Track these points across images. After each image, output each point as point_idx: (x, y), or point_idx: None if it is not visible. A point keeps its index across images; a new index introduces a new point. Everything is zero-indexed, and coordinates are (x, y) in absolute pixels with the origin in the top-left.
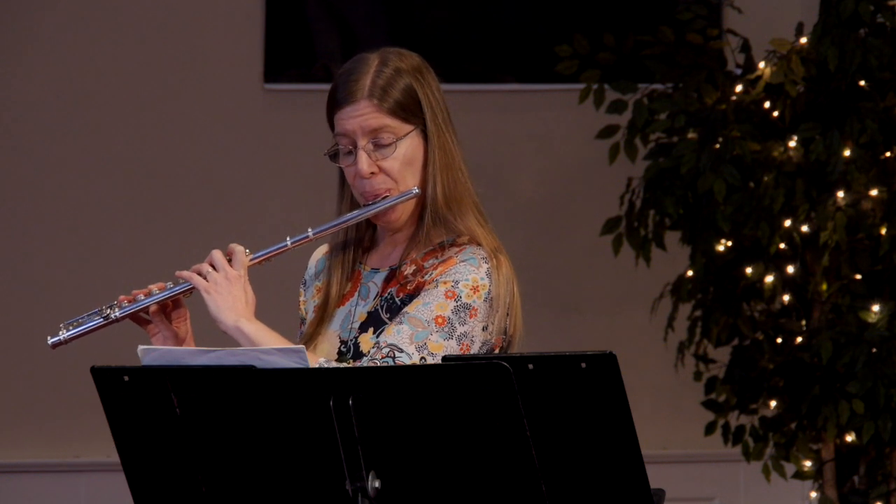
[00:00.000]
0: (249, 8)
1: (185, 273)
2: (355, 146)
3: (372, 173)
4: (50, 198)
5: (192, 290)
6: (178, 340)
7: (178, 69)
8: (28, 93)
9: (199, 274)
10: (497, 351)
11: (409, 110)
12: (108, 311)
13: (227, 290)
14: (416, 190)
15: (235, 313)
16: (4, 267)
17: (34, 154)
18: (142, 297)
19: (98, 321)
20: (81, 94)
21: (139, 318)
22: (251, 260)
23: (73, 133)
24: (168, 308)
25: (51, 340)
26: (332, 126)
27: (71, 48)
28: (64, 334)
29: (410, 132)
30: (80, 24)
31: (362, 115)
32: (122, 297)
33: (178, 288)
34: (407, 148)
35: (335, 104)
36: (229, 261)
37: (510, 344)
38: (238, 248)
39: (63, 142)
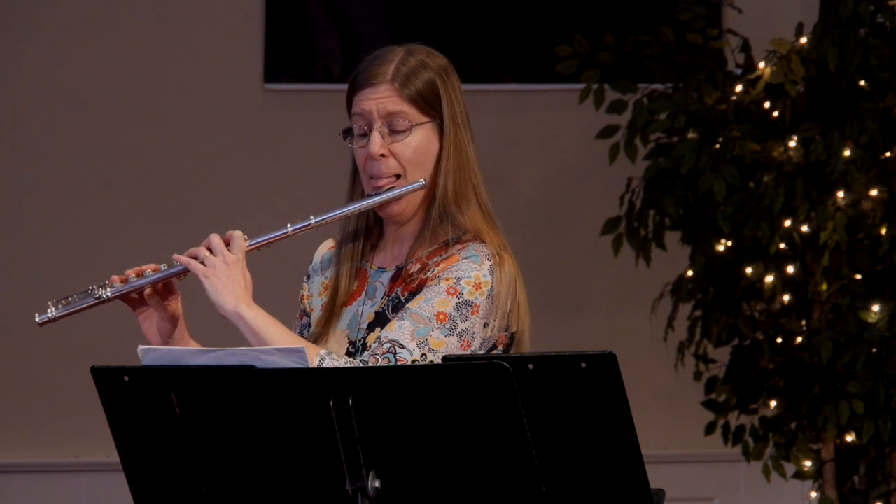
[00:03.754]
0: (249, 8)
1: (183, 258)
2: (370, 128)
3: (382, 155)
4: (49, 199)
5: (186, 273)
6: (172, 320)
7: (179, 69)
8: (28, 92)
9: (196, 258)
10: (500, 347)
11: (429, 103)
12: (100, 290)
13: (225, 274)
14: (422, 181)
15: (235, 298)
16: (4, 266)
17: (33, 155)
18: (133, 277)
19: (88, 301)
20: (81, 93)
21: (129, 299)
22: (249, 245)
23: (73, 133)
24: (159, 290)
25: (39, 318)
26: (349, 109)
27: (70, 47)
28: (53, 312)
29: (426, 122)
30: (79, 24)
31: (381, 98)
32: (113, 276)
33: (171, 270)
34: (421, 137)
35: (356, 86)
36: (227, 246)
37: (517, 341)
38: (236, 233)
39: (63, 141)
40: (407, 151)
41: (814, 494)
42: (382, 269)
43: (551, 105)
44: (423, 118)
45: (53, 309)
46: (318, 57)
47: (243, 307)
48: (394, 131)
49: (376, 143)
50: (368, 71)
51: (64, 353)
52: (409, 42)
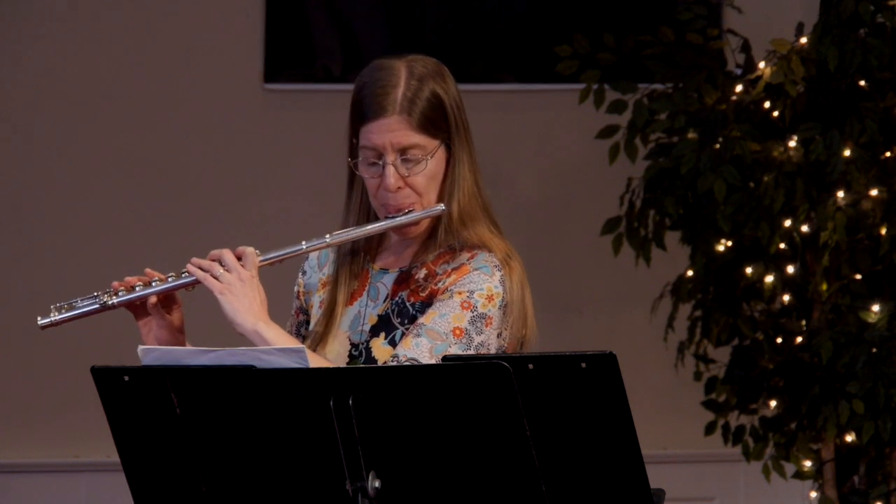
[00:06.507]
0: (249, 8)
1: (199, 272)
2: (380, 158)
3: (399, 188)
4: (49, 199)
5: (195, 285)
6: (173, 329)
7: (179, 69)
8: (28, 92)
9: (210, 273)
10: (509, 353)
11: (436, 124)
12: (106, 297)
13: (241, 291)
14: (442, 207)
15: (253, 316)
16: (4, 266)
17: (33, 155)
18: (139, 285)
19: (93, 306)
20: (81, 94)
21: (132, 306)
22: (262, 261)
23: (73, 133)
24: (161, 299)
25: (41, 321)
26: (354, 134)
27: (70, 48)
28: (55, 316)
29: (438, 148)
30: (79, 24)
31: (393, 132)
32: (114, 283)
33: (181, 281)
34: (433, 164)
35: (363, 117)
36: (239, 261)
37: (523, 346)
38: (248, 249)
39: (63, 142)
40: (422, 181)
41: (814, 494)
42: (385, 271)
43: (551, 105)
44: (434, 143)
45: (56, 313)
46: (318, 57)
47: (261, 325)
48: (407, 160)
49: (392, 177)
50: (375, 101)
51: (64, 353)
52: (404, 52)
